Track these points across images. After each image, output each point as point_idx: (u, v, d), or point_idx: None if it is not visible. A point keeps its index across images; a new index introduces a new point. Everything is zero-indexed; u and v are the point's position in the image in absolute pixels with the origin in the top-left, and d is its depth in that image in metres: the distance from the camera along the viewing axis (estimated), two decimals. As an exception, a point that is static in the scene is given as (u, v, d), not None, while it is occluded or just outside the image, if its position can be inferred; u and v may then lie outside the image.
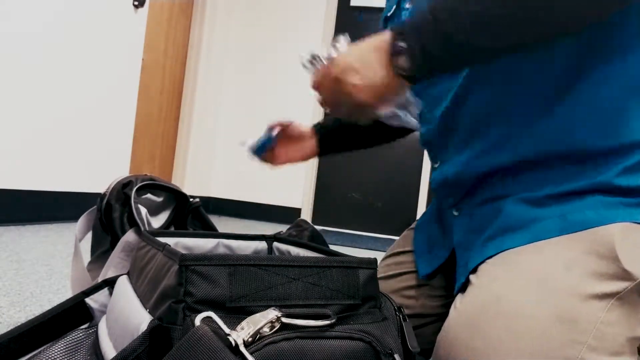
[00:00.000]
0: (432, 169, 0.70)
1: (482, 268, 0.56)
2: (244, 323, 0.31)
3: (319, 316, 0.34)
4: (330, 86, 0.53)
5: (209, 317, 0.31)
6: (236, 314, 0.33)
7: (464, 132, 0.62)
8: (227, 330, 0.30)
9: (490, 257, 0.56)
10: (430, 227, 0.75)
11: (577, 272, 0.48)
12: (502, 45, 0.47)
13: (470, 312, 0.52)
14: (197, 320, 0.30)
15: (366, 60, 0.50)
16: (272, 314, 0.32)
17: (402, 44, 0.48)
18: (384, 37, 0.50)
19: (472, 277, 0.57)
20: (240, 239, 0.60)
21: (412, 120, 0.64)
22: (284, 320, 0.32)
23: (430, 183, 0.71)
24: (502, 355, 0.46)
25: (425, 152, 3.03)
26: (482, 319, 0.50)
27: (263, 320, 0.31)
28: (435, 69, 0.50)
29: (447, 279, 0.73)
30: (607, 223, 0.49)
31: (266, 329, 0.31)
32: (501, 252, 0.55)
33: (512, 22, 0.45)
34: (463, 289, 0.58)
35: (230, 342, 0.30)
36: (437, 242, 0.72)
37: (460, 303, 0.55)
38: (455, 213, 0.66)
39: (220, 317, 0.31)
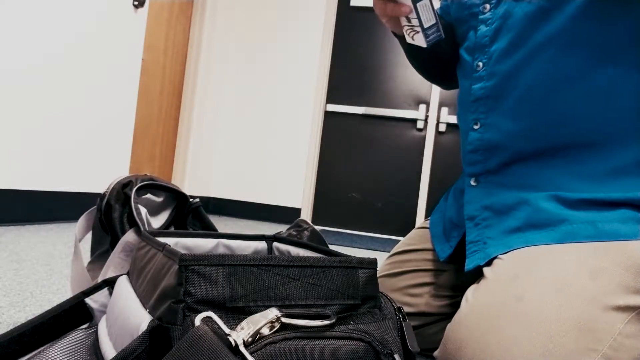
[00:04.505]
0: (470, 130, 0.67)
1: (499, 263, 0.55)
2: (243, 323, 0.31)
3: (319, 316, 0.34)
4: None
5: (208, 317, 0.31)
6: (236, 314, 0.33)
7: (519, 99, 0.59)
8: (227, 330, 0.30)
9: (508, 251, 0.55)
10: (447, 214, 0.75)
11: (602, 282, 0.47)
12: None
13: (486, 308, 0.52)
14: (197, 320, 0.30)
15: None
16: (272, 314, 0.32)
17: None
18: None
19: (486, 270, 0.56)
20: (240, 239, 0.60)
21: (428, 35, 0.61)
22: (284, 320, 0.32)
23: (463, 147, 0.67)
24: (515, 356, 0.46)
25: (426, 152, 2.99)
26: (499, 317, 0.49)
27: (263, 320, 0.31)
28: None
29: (455, 276, 0.72)
30: (636, 238, 0.49)
31: (266, 329, 0.31)
32: (524, 247, 0.55)
33: None
34: (474, 279, 0.57)
35: (230, 342, 0.30)
36: (453, 224, 0.71)
37: (473, 297, 0.54)
38: (473, 183, 0.65)
39: (220, 317, 0.31)
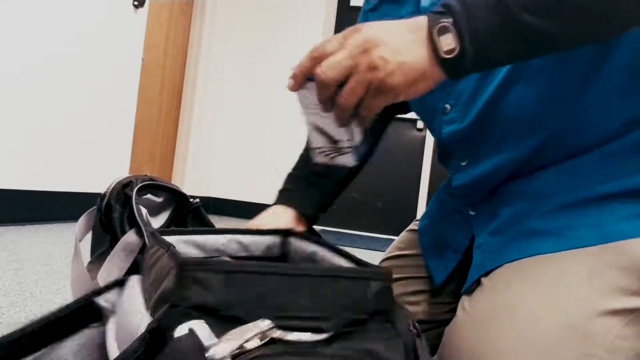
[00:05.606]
0: (455, 168, 0.64)
1: (498, 272, 0.54)
2: (229, 334, 0.29)
3: (315, 330, 0.32)
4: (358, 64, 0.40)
5: (193, 328, 0.29)
6: (229, 322, 0.31)
7: (500, 134, 0.57)
8: (209, 342, 0.28)
9: (507, 262, 0.54)
10: (439, 228, 0.72)
11: (599, 285, 0.46)
12: (573, 32, 0.41)
13: (481, 315, 0.51)
14: (181, 331, 0.29)
15: (400, 38, 0.41)
16: (261, 325, 0.30)
17: (447, 21, 0.40)
18: (419, 19, 0.42)
19: (484, 279, 0.55)
20: (253, 234, 0.58)
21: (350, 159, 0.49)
22: (274, 333, 0.30)
23: (428, 185, 0.67)
24: None
25: (426, 152, 2.96)
26: (493, 323, 0.49)
27: (250, 332, 0.29)
28: (484, 56, 0.41)
29: (455, 284, 0.71)
30: (637, 235, 0.48)
31: (254, 342, 0.29)
32: (524, 257, 0.52)
33: (595, 5, 0.40)
34: (472, 289, 0.56)
35: (213, 356, 0.28)
36: (447, 244, 0.69)
37: (469, 305, 0.54)
38: (472, 212, 0.63)
39: (212, 324, 0.30)
